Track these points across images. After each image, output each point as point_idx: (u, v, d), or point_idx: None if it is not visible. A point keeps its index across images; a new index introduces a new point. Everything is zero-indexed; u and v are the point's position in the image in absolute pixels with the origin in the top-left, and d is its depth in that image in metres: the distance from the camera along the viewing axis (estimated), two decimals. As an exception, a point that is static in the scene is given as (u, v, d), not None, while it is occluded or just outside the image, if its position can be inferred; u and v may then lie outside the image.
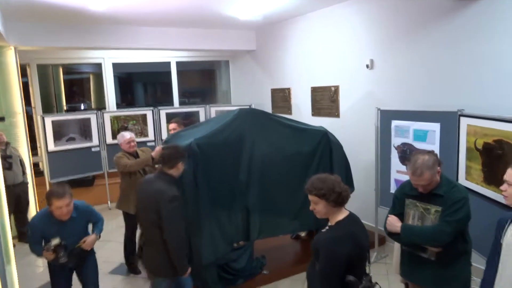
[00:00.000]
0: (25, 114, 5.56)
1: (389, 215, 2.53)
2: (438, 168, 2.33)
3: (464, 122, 3.31)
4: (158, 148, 3.93)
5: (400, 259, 2.65)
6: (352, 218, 2.15)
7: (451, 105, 3.69)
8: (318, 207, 2.11)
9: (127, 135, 4.18)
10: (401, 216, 2.49)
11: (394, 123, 4.05)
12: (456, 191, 2.32)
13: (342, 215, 2.12)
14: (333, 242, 2.01)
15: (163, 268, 2.76)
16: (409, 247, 2.46)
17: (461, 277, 2.40)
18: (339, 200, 2.08)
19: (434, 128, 3.65)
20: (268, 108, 6.86)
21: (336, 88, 5.37)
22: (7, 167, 4.83)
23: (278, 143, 3.92)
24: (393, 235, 2.46)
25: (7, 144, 4.99)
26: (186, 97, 8.60)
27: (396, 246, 2.85)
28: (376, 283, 2.15)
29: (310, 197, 2.13)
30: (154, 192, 2.71)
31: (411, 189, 2.45)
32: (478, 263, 3.02)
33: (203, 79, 9.51)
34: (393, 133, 4.08)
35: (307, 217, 3.89)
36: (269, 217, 3.92)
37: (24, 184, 5.18)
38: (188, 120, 7.09)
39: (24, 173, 5.18)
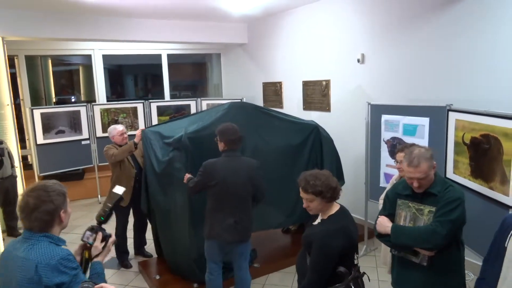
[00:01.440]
0: (13, 106, 5.48)
1: (379, 216, 2.36)
2: (434, 163, 2.20)
3: (453, 116, 3.35)
4: (138, 132, 3.92)
5: (390, 265, 2.57)
6: (343, 211, 2.19)
7: (440, 99, 3.73)
8: (313, 204, 2.12)
9: (119, 127, 4.17)
10: (392, 217, 2.32)
11: (384, 117, 4.09)
12: (451, 190, 2.17)
13: (334, 208, 2.16)
14: (327, 235, 2.04)
15: (249, 231, 3.15)
16: (400, 250, 2.28)
17: (454, 286, 2.25)
18: (334, 195, 2.12)
19: (424, 122, 3.70)
20: (259, 101, 6.85)
21: (327, 82, 5.38)
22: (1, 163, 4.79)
23: (269, 136, 3.93)
24: (383, 237, 2.28)
25: None
26: (178, 90, 8.55)
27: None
28: (364, 272, 2.20)
29: (305, 195, 2.13)
30: (247, 167, 3.02)
31: (404, 188, 2.30)
32: (467, 256, 3.08)
33: (194, 72, 9.45)
34: (383, 127, 4.11)
35: (297, 209, 3.93)
36: (260, 210, 3.94)
37: (13, 177, 5.12)
38: (180, 113, 7.07)
39: (12, 166, 5.11)
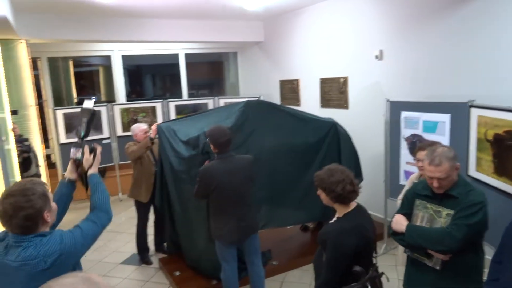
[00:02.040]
0: (37, 107, 5.63)
1: (396, 214, 2.30)
2: (457, 164, 2.08)
3: (475, 113, 3.28)
4: (154, 127, 3.98)
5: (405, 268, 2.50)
6: (359, 210, 2.17)
7: (462, 95, 3.65)
8: (321, 196, 2.17)
9: (143, 125, 4.28)
10: (409, 217, 2.24)
11: (404, 114, 4.03)
12: (473, 194, 2.04)
13: (349, 207, 2.14)
14: (340, 233, 2.04)
15: (258, 222, 3.30)
16: (413, 250, 2.20)
17: None
18: (339, 199, 2.10)
19: (444, 119, 3.62)
20: (276, 99, 6.85)
21: (345, 79, 5.33)
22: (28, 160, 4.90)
23: (286, 134, 3.93)
24: (397, 235, 2.21)
25: (20, 136, 5.06)
26: (195, 89, 8.61)
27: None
28: (383, 273, 2.17)
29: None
30: (243, 165, 3.06)
31: (423, 188, 2.20)
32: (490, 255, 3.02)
33: (211, 71, 9.51)
34: (402, 124, 4.05)
35: (314, 208, 3.91)
36: (276, 207, 3.96)
37: (37, 176, 5.27)
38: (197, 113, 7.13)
39: (37, 165, 5.26)
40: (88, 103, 2.16)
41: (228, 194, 3.00)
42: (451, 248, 1.98)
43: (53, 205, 1.67)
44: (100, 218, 1.81)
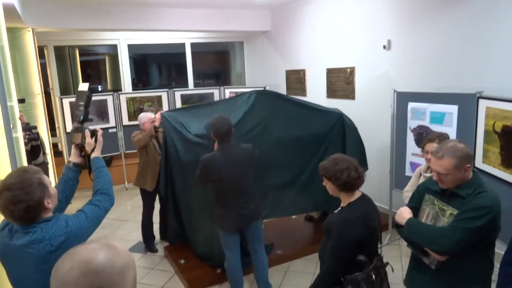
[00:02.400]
0: (43, 95, 5.66)
1: (403, 206, 2.23)
2: (467, 165, 1.90)
3: (483, 104, 3.25)
4: (158, 115, 3.99)
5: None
6: (364, 199, 2.17)
7: (470, 87, 3.61)
8: (327, 186, 2.17)
9: (150, 114, 4.28)
10: (417, 211, 2.15)
11: (411, 105, 3.99)
12: (483, 197, 1.86)
13: (354, 196, 2.15)
14: (344, 223, 2.04)
15: (260, 210, 3.31)
16: (411, 246, 2.12)
17: None
18: (345, 187, 2.10)
19: (452, 110, 3.59)
20: (282, 90, 6.82)
21: (352, 69, 5.29)
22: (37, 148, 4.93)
23: (293, 124, 3.93)
24: (400, 227, 2.14)
25: (28, 124, 5.09)
26: (201, 78, 8.60)
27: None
28: (388, 263, 2.18)
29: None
30: (243, 155, 3.09)
31: (435, 183, 2.05)
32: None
33: (217, 60, 9.48)
34: (409, 115, 4.02)
35: (318, 197, 3.92)
36: (280, 197, 3.97)
37: (45, 164, 5.31)
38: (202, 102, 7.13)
39: (44, 153, 5.30)
40: (83, 86, 2.15)
41: (228, 184, 3.02)
42: (445, 250, 1.88)
43: (53, 190, 1.66)
44: (102, 201, 1.83)
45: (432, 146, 2.76)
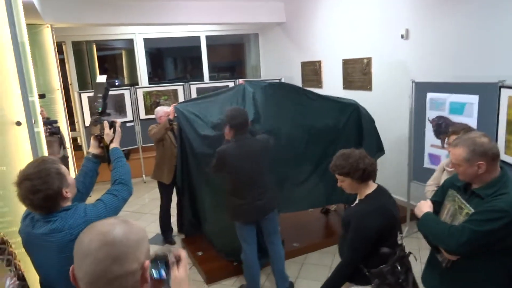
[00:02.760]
0: (62, 90, 5.77)
1: (423, 200, 2.14)
2: (480, 162, 1.76)
3: (505, 93, 3.15)
4: (171, 108, 4.01)
5: None
6: (381, 191, 2.15)
7: (491, 76, 3.50)
8: (345, 184, 2.14)
9: (167, 108, 4.32)
10: (440, 206, 2.07)
11: (429, 95, 3.92)
12: (502, 199, 1.73)
13: (370, 188, 2.13)
14: (363, 215, 2.04)
15: (276, 201, 3.29)
16: (427, 240, 2.05)
17: None
18: (364, 176, 2.08)
19: (472, 100, 3.50)
20: (298, 81, 6.78)
21: (369, 60, 5.21)
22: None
23: (308, 116, 3.90)
24: (418, 221, 2.08)
25: (48, 119, 5.20)
26: (216, 71, 8.61)
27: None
28: (410, 252, 2.16)
29: (336, 176, 2.15)
30: (258, 147, 3.08)
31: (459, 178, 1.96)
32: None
33: (232, 53, 9.48)
34: (428, 106, 3.95)
35: (336, 190, 3.89)
36: (295, 191, 3.96)
37: (64, 158, 5.43)
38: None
39: (64, 147, 5.42)
40: (101, 78, 2.18)
41: (243, 176, 3.04)
42: (451, 250, 1.81)
43: (70, 179, 1.69)
44: (120, 191, 1.85)
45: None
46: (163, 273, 1.33)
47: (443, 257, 1.93)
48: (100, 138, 2.09)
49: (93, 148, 2.11)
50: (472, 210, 1.82)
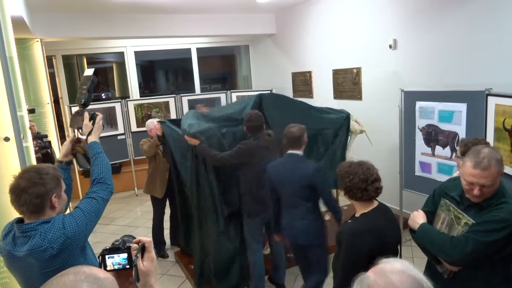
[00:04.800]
0: (53, 105, 5.74)
1: (416, 210, 2.10)
2: (503, 169, 1.77)
3: (492, 101, 3.21)
4: (157, 124, 4.02)
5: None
6: (379, 210, 2.07)
7: (478, 84, 3.57)
8: (347, 197, 2.11)
9: (156, 120, 4.30)
10: (432, 216, 2.03)
11: (419, 104, 3.96)
12: (502, 209, 1.72)
13: (369, 207, 2.05)
14: (353, 234, 1.97)
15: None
16: (424, 252, 2.01)
17: None
18: (364, 197, 2.01)
19: (461, 108, 3.55)
20: (289, 92, 6.82)
21: (358, 70, 5.27)
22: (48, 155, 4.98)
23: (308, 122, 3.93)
24: (412, 232, 2.04)
25: (39, 133, 5.16)
26: (207, 83, 8.64)
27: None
28: None
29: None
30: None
31: (454, 188, 1.93)
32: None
33: (223, 64, 9.52)
34: (417, 114, 3.99)
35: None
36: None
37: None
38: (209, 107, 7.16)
39: (54, 162, 5.36)
40: (88, 71, 2.14)
41: (262, 171, 3.10)
42: (455, 261, 1.78)
43: (64, 195, 1.68)
44: (99, 192, 1.79)
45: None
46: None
47: (443, 268, 1.89)
48: (77, 139, 2.04)
49: (64, 156, 2.03)
50: (472, 221, 1.79)
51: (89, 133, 1.98)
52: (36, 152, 4.00)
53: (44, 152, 4.63)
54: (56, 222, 1.60)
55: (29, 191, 1.55)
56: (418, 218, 2.00)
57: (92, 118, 2.02)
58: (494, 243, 1.70)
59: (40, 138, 4.83)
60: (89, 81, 2.10)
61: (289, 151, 2.95)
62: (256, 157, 3.16)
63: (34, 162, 2.68)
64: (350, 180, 2.00)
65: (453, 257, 1.78)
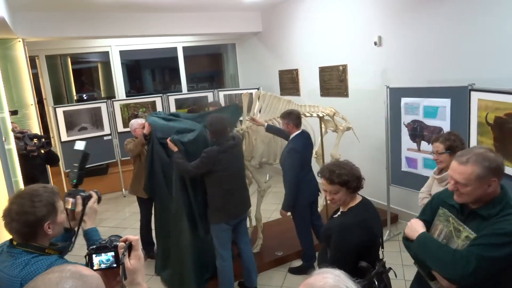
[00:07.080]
0: (36, 106, 5.64)
1: (414, 218, 1.92)
2: (493, 179, 1.59)
3: (475, 96, 3.26)
4: (147, 124, 3.93)
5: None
6: (365, 204, 2.10)
7: (462, 79, 3.63)
8: (338, 196, 2.04)
9: (141, 120, 4.26)
10: (429, 225, 1.86)
11: (404, 100, 4.01)
12: (509, 220, 1.55)
13: (355, 201, 2.08)
14: (344, 229, 1.99)
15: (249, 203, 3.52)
16: (418, 265, 1.85)
17: None
18: (359, 185, 2.05)
19: (445, 104, 3.61)
20: (276, 90, 6.83)
21: (344, 67, 5.31)
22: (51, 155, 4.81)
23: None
24: (408, 241, 1.85)
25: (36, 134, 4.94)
26: (194, 82, 8.59)
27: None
28: (390, 268, 2.10)
29: (330, 187, 2.04)
30: (238, 150, 3.35)
31: (452, 196, 1.75)
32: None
33: (210, 63, 9.48)
34: (403, 110, 4.04)
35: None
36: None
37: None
38: (196, 106, 7.15)
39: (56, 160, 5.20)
40: (79, 145, 1.98)
41: (228, 175, 3.20)
42: (456, 278, 1.58)
43: (61, 217, 1.59)
44: None
45: (437, 146, 2.63)
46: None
47: (438, 285, 1.71)
48: (72, 214, 1.80)
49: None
50: (473, 234, 1.62)
51: (81, 218, 1.77)
52: (33, 151, 3.88)
53: (47, 150, 4.39)
54: (42, 262, 1.48)
55: (20, 221, 1.47)
56: (417, 226, 1.81)
57: (84, 201, 1.79)
58: (499, 260, 1.52)
59: (38, 137, 4.61)
60: (81, 155, 1.94)
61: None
62: (221, 162, 3.15)
63: (17, 164, 2.64)
64: (347, 171, 2.03)
65: (454, 274, 1.59)
